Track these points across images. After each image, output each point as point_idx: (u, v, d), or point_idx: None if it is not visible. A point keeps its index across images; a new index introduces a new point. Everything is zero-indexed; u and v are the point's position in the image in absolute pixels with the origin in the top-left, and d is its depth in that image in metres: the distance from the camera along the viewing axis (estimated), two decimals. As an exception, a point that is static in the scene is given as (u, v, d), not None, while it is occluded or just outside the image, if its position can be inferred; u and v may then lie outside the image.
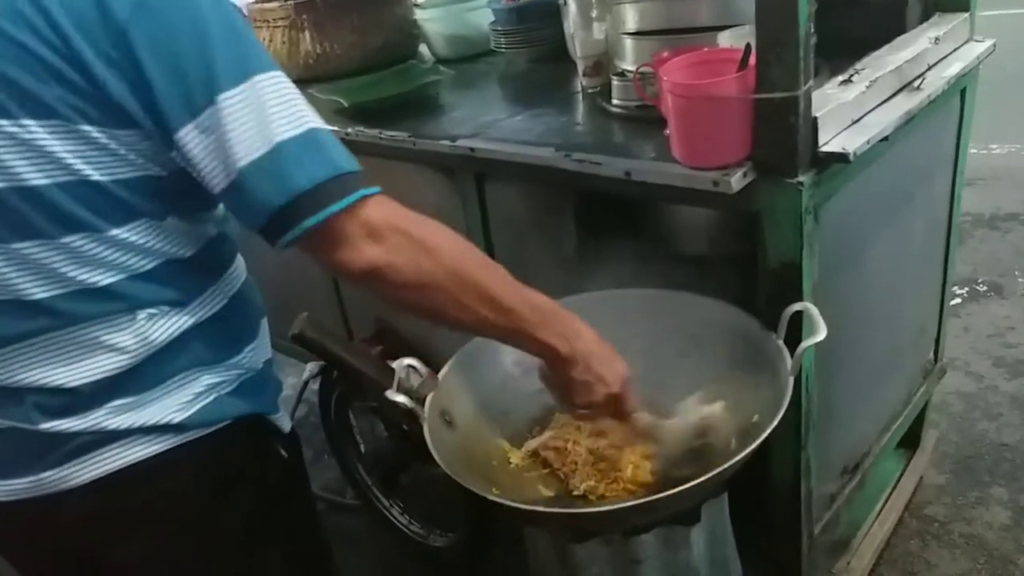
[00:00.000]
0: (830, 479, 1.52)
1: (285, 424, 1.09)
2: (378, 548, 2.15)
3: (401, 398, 1.05)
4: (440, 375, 1.20)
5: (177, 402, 0.92)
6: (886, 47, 1.40)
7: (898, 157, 1.37)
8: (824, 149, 1.13)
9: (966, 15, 1.53)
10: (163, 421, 0.91)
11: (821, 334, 1.07)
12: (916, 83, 1.33)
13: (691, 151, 1.16)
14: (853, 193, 1.27)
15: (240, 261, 1.05)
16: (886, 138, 1.21)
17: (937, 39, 1.42)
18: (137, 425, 0.90)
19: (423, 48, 2.32)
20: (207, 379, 0.95)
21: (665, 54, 1.26)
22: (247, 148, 0.78)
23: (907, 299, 1.66)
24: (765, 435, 1.03)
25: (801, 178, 1.11)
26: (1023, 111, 4.38)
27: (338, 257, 0.83)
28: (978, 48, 1.51)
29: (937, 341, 1.88)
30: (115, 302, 0.86)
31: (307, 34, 2.13)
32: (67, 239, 0.82)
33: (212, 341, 0.95)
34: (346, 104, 1.77)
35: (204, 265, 0.95)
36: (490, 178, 1.54)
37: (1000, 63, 1.75)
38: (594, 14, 1.62)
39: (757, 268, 1.21)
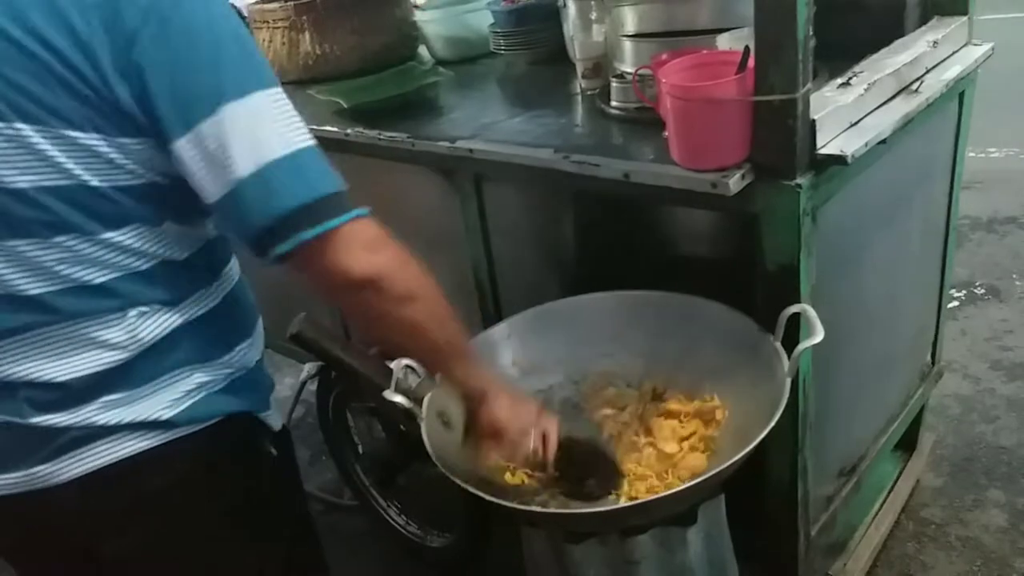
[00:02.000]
0: (827, 481, 1.53)
1: (275, 422, 1.10)
2: (376, 549, 2.15)
3: (399, 398, 1.06)
4: (438, 375, 1.20)
5: (167, 399, 0.93)
6: (884, 50, 1.41)
7: (896, 160, 1.37)
8: (822, 151, 1.13)
9: (964, 19, 1.53)
10: (152, 417, 0.92)
11: (818, 336, 1.07)
12: (914, 86, 1.33)
13: (690, 153, 1.16)
14: (851, 195, 1.27)
15: (235, 261, 1.06)
16: (884, 141, 1.21)
17: (935, 42, 1.42)
18: (127, 421, 0.91)
19: (423, 50, 2.32)
20: (198, 377, 0.96)
21: (664, 56, 1.26)
22: (246, 161, 0.80)
23: (905, 302, 1.66)
24: (761, 437, 1.03)
25: (799, 180, 1.11)
26: (1021, 115, 4.39)
27: (336, 264, 0.85)
28: (976, 52, 1.52)
29: (934, 344, 1.89)
30: (108, 299, 0.87)
31: (307, 35, 2.13)
32: (59, 239, 0.83)
33: (203, 340, 0.96)
34: (346, 105, 1.77)
35: (199, 266, 0.96)
36: (489, 179, 1.54)
37: (998, 67, 1.75)
38: (593, 16, 1.62)
39: (755, 270, 1.21)
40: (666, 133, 1.18)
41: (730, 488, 1.20)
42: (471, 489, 1.06)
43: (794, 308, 1.14)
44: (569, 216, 1.52)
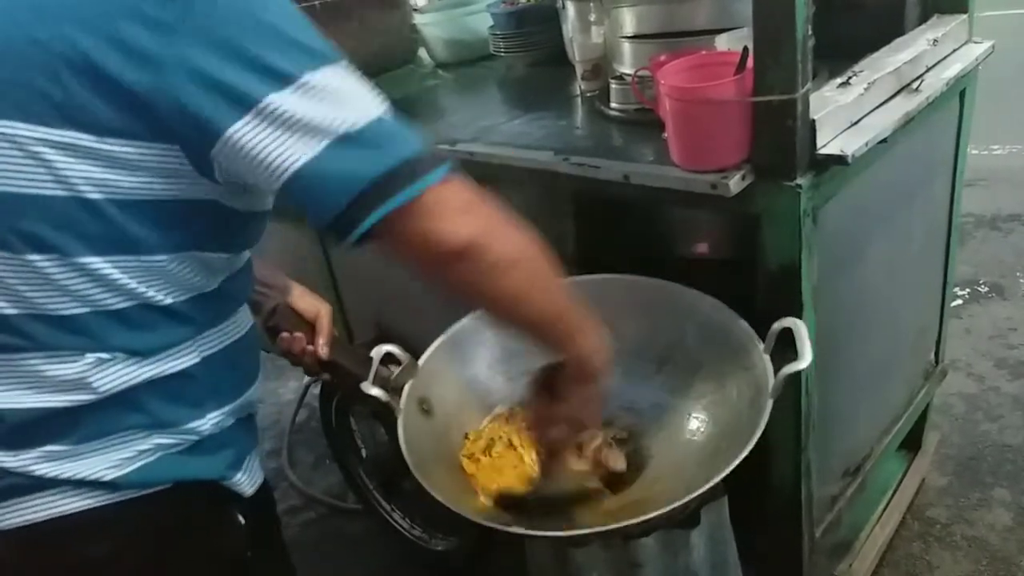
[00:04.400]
0: (831, 481, 1.52)
1: (246, 487, 0.97)
2: (379, 552, 2.15)
3: (376, 391, 1.01)
4: (421, 360, 1.18)
5: (115, 458, 0.83)
6: (884, 49, 1.40)
7: (897, 159, 1.37)
8: (822, 151, 1.13)
9: (964, 16, 1.53)
10: (93, 476, 0.82)
11: (805, 361, 1.01)
12: (915, 85, 1.33)
13: (689, 154, 1.16)
14: (852, 195, 1.27)
15: (239, 319, 0.95)
16: (885, 140, 1.20)
17: (936, 41, 1.42)
18: (65, 476, 0.81)
19: (422, 53, 2.32)
20: (156, 439, 0.85)
21: (663, 57, 1.26)
22: (327, 127, 0.72)
23: (908, 301, 1.66)
24: (737, 461, 0.97)
25: (799, 180, 1.10)
26: (1024, 112, 4.39)
27: (434, 232, 0.75)
28: (977, 49, 1.51)
29: (938, 342, 1.88)
30: (68, 336, 0.78)
31: (306, 39, 2.14)
32: (31, 257, 0.76)
33: (171, 401, 0.85)
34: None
35: (185, 318, 0.85)
36: (489, 182, 1.53)
37: (1001, 64, 1.75)
38: (592, 18, 1.62)
39: (756, 270, 1.21)
40: (665, 134, 1.18)
41: (733, 490, 1.20)
42: (439, 497, 1.01)
43: (785, 322, 1.08)
44: (570, 218, 1.51)
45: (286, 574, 1.13)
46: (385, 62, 2.15)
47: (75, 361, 0.79)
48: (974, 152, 1.77)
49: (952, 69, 1.41)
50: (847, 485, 1.57)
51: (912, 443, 1.97)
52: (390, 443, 2.02)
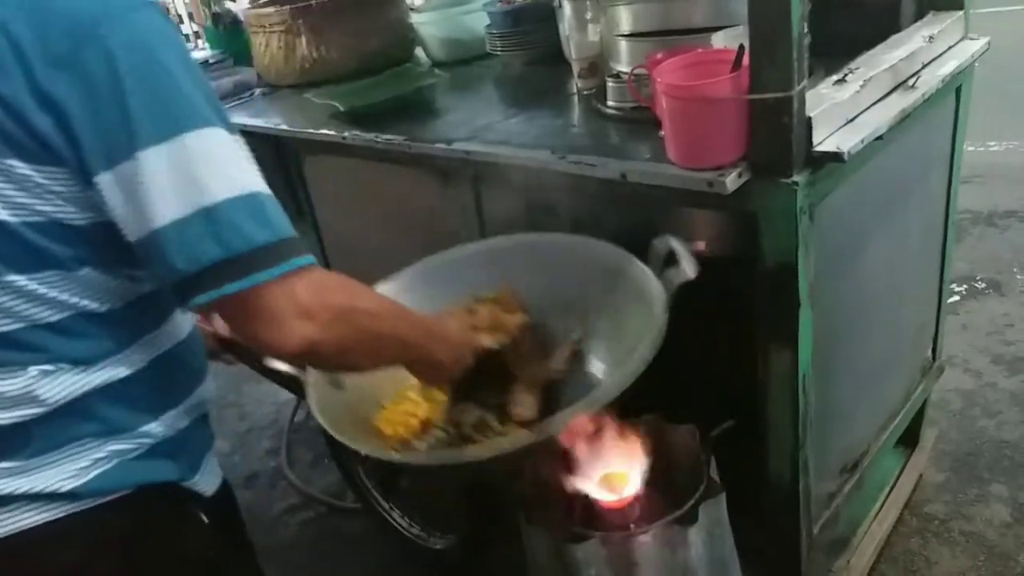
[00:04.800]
0: (829, 478, 1.53)
1: (206, 487, 0.98)
2: (378, 551, 2.15)
3: (281, 365, 1.01)
4: None
5: (71, 468, 0.83)
6: (880, 46, 1.41)
7: (893, 156, 1.37)
8: (818, 149, 1.13)
9: (960, 13, 1.53)
10: (51, 489, 0.82)
11: (691, 273, 1.10)
12: (910, 82, 1.33)
13: (686, 152, 1.16)
14: (849, 192, 1.27)
15: (180, 321, 0.95)
16: (881, 137, 1.21)
17: (931, 37, 1.42)
18: (22, 491, 0.81)
19: (419, 52, 2.33)
20: (112, 446, 0.85)
21: (659, 55, 1.26)
22: (167, 207, 0.73)
23: (905, 297, 1.66)
24: (638, 366, 1.03)
25: (796, 178, 1.11)
26: (1020, 108, 4.39)
27: (268, 335, 0.77)
28: (972, 46, 1.51)
29: (935, 339, 1.88)
30: (8, 351, 0.78)
31: (303, 39, 2.14)
32: None
33: (122, 407, 0.85)
34: (342, 108, 1.77)
35: (124, 322, 0.85)
36: (486, 181, 1.54)
37: (997, 60, 1.75)
38: (588, 16, 1.62)
39: (754, 267, 1.21)
40: (662, 132, 1.18)
41: (731, 487, 1.20)
42: (348, 443, 1.04)
43: (667, 242, 1.17)
44: (567, 216, 1.52)
45: (254, 573, 1.14)
46: (382, 62, 2.16)
47: (17, 376, 0.79)
48: (970, 149, 1.77)
49: (948, 66, 1.42)
50: (845, 481, 1.58)
51: (910, 439, 1.97)
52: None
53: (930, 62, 1.42)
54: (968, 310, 2.78)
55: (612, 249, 1.28)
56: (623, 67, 1.45)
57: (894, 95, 1.30)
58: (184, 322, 0.96)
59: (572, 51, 1.66)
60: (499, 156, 1.43)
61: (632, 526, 1.16)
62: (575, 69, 1.65)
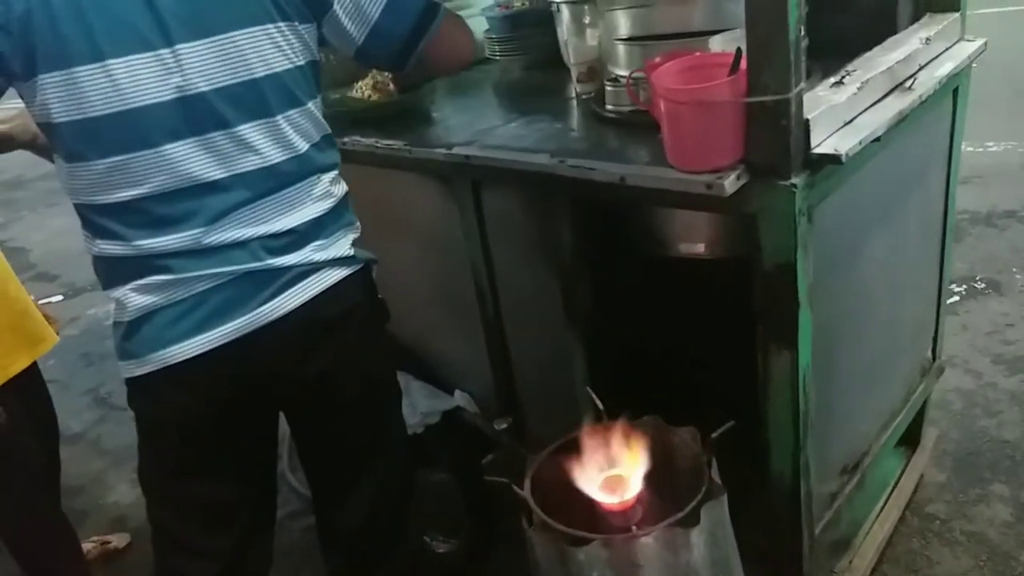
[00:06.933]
0: (830, 478, 1.53)
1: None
2: (381, 556, 2.15)
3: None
4: None
5: (345, 244, 1.27)
6: (877, 48, 1.41)
7: (891, 157, 1.38)
8: (816, 151, 1.13)
9: (957, 15, 1.54)
10: (342, 254, 1.25)
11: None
12: (908, 83, 1.34)
13: (684, 155, 1.16)
14: (847, 194, 1.27)
15: None
16: (878, 139, 1.21)
17: (928, 39, 1.43)
18: (330, 257, 1.23)
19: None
20: (352, 234, 1.30)
21: (657, 59, 1.27)
22: (373, 6, 1.21)
23: (904, 298, 1.66)
24: None
25: (794, 180, 1.11)
26: (1018, 109, 4.39)
27: (470, 49, 1.41)
28: (969, 48, 1.52)
29: (935, 339, 1.89)
30: (310, 165, 1.21)
31: (302, 45, 2.14)
32: (290, 112, 1.17)
33: (348, 208, 1.31)
34: (343, 113, 1.77)
35: (335, 146, 1.31)
36: (486, 185, 1.55)
37: (994, 61, 1.76)
38: (587, 21, 1.63)
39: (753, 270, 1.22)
40: (661, 136, 1.19)
41: (733, 488, 1.20)
42: None
43: None
44: (567, 219, 1.52)
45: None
46: (381, 66, 2.15)
47: (319, 181, 1.23)
48: (969, 149, 1.78)
49: (945, 67, 1.42)
50: (846, 482, 1.58)
51: (910, 440, 1.97)
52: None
53: (927, 64, 1.43)
54: (968, 310, 2.79)
55: None
56: (621, 71, 1.46)
57: (891, 97, 1.31)
58: None
59: (571, 55, 1.67)
60: (499, 161, 1.43)
61: (634, 528, 1.17)
62: (574, 73, 1.66)
